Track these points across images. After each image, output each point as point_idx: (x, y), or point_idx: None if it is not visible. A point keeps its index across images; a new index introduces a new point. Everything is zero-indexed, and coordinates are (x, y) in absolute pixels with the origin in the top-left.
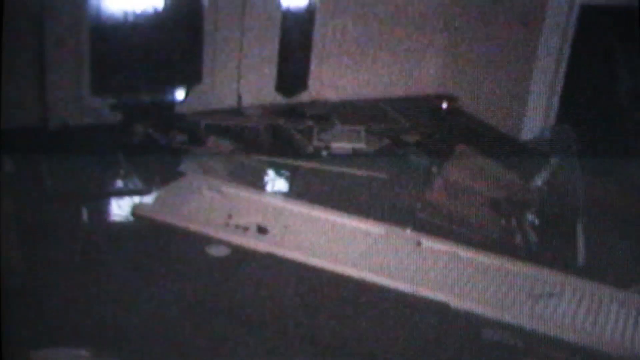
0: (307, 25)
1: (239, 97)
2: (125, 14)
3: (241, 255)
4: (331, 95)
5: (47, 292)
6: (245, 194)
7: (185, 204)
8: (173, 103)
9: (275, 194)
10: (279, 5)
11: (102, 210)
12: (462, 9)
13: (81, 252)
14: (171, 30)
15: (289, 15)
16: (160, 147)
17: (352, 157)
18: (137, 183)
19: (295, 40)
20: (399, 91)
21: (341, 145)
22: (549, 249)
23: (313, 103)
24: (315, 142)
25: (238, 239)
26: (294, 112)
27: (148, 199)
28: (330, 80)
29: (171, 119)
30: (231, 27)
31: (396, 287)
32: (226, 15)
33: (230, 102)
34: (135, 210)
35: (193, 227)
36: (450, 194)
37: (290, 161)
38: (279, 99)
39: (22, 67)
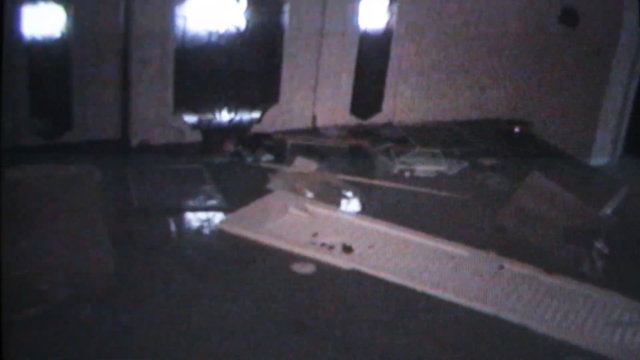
0: (384, 48)
1: (314, 118)
2: (209, 35)
3: (327, 272)
4: (405, 117)
5: (136, 297)
6: (330, 212)
7: (272, 221)
8: (250, 122)
9: (360, 213)
10: (356, 29)
11: (187, 224)
12: (535, 38)
13: (168, 264)
14: (252, 51)
15: (366, 39)
16: (247, 165)
17: (433, 179)
18: (221, 199)
19: (372, 63)
20: (471, 114)
21: (426, 169)
22: (618, 277)
23: (387, 125)
24: (399, 165)
25: (324, 257)
26: (369, 134)
27: (235, 215)
28: (405, 103)
29: (258, 138)
30: (310, 50)
31: (479, 308)
32: (305, 38)
33: (304, 122)
34: (223, 226)
35: (279, 244)
36: (521, 219)
37: (374, 182)
38: (353, 120)
39: (107, 85)
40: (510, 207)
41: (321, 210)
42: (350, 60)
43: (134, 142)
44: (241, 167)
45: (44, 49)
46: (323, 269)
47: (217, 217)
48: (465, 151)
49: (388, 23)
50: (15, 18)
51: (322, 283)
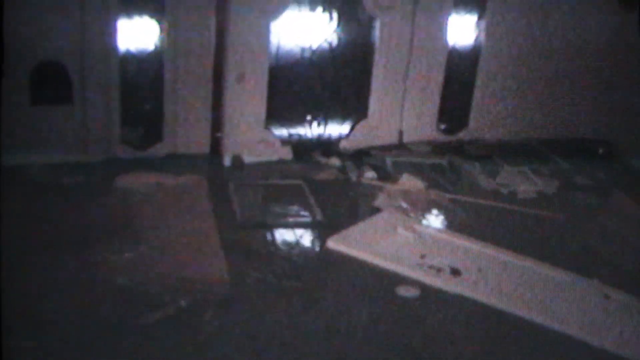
0: (472, 64)
1: (400, 133)
2: (302, 51)
3: (432, 296)
4: (489, 134)
5: (253, 304)
6: (439, 234)
7: (380, 241)
8: (339, 138)
9: (467, 234)
10: (445, 45)
11: (292, 240)
12: (619, 60)
13: (277, 275)
14: (343, 67)
15: (454, 54)
16: (349, 181)
17: (532, 198)
18: (324, 216)
19: (459, 78)
20: (556, 132)
21: (527, 189)
22: None
23: (472, 142)
24: (497, 183)
25: (431, 280)
26: (456, 150)
27: (343, 234)
28: (491, 119)
29: (360, 154)
30: (398, 65)
31: (584, 339)
32: (394, 53)
33: (391, 138)
34: (329, 244)
35: (386, 265)
36: (606, 240)
37: (480, 201)
38: (439, 136)
39: (199, 99)
40: (596, 228)
41: (430, 231)
42: (438, 76)
43: (227, 157)
44: (344, 184)
45: (137, 62)
46: (429, 292)
47: (321, 233)
48: (552, 169)
49: (476, 39)
50: (111, 32)
51: (427, 308)
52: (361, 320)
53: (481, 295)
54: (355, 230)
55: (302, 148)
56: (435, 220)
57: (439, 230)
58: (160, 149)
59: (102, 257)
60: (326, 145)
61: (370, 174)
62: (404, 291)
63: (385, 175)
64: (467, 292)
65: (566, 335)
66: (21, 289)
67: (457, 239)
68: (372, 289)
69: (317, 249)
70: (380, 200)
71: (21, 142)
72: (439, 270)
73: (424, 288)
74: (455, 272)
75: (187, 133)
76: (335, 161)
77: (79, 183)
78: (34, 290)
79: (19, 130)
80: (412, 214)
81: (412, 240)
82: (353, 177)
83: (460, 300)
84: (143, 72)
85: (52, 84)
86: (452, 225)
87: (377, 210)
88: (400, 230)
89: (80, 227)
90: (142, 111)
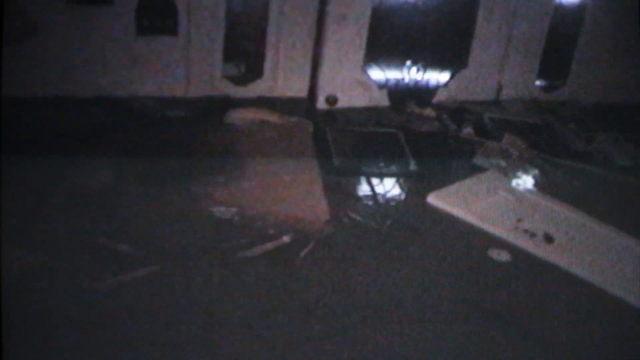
0: (577, 22)
1: (499, 89)
2: None
3: (522, 261)
4: (586, 95)
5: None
6: (539, 199)
7: (480, 201)
8: (437, 87)
9: (566, 201)
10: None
11: (389, 189)
12: None
13: (371, 219)
14: (445, 14)
15: (560, 10)
16: (448, 135)
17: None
18: (419, 167)
19: (562, 37)
20: None
21: (622, 156)
22: None
23: (568, 102)
24: (593, 148)
25: (523, 244)
26: (552, 111)
27: (444, 190)
28: (589, 80)
29: (461, 109)
30: (502, 17)
31: None
32: (499, 4)
33: (488, 93)
34: (429, 199)
35: (482, 225)
36: None
37: (576, 164)
38: (537, 94)
39: (301, 41)
40: None
41: (529, 195)
42: (542, 32)
43: (321, 98)
44: (441, 137)
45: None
46: (520, 256)
47: (417, 185)
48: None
49: None
50: None
51: (516, 272)
52: (448, 279)
53: (571, 264)
54: (457, 188)
55: (399, 95)
56: (533, 182)
57: (538, 195)
58: (259, 87)
59: (205, 190)
60: (422, 95)
61: (468, 129)
62: (495, 254)
63: (483, 132)
64: (557, 260)
65: None
66: (122, 214)
67: (555, 205)
68: (465, 248)
69: (413, 200)
70: (478, 158)
71: (125, 73)
72: (532, 235)
73: (516, 252)
74: (548, 238)
75: (286, 75)
76: (430, 113)
77: (183, 117)
78: (134, 217)
79: (124, 61)
80: (510, 174)
81: (511, 203)
82: (452, 130)
83: (549, 268)
84: (248, 8)
85: (159, 14)
86: (550, 189)
87: (476, 167)
88: (501, 192)
89: (184, 160)
90: (244, 48)
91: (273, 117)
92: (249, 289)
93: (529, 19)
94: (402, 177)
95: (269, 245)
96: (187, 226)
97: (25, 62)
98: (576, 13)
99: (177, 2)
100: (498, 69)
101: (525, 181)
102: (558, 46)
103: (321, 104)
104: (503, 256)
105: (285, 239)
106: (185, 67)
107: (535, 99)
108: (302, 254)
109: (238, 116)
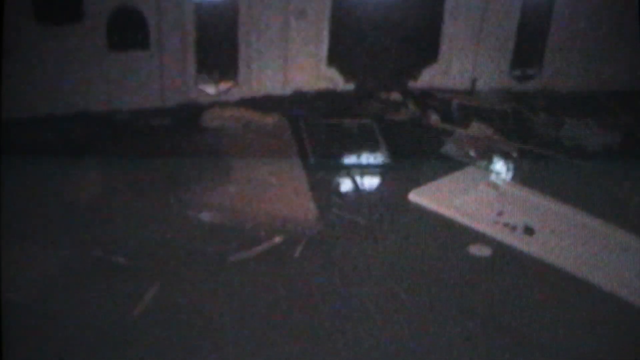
0: (545, 13)
1: (473, 80)
2: None
3: (504, 255)
4: (559, 84)
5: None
6: (516, 190)
7: (460, 196)
8: (407, 78)
9: (544, 193)
10: None
11: (366, 184)
12: None
13: (353, 214)
14: (412, 8)
15: (529, 1)
16: (417, 123)
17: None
18: (387, 156)
19: (534, 27)
20: (622, 86)
21: (594, 141)
22: None
23: (541, 92)
24: (561, 134)
25: (504, 238)
26: (525, 100)
27: (425, 187)
28: (561, 69)
29: (425, 95)
30: (472, 9)
31: None
32: None
33: (461, 83)
34: (411, 195)
35: (463, 220)
36: None
37: (544, 151)
38: (510, 84)
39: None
40: None
41: (509, 187)
42: (513, 22)
43: (288, 90)
44: (411, 125)
45: (212, 7)
46: (501, 250)
47: (393, 177)
48: (618, 122)
49: None
50: None
51: (497, 266)
52: (430, 274)
53: (552, 256)
54: (438, 184)
55: (365, 85)
56: (510, 174)
57: (516, 187)
58: (235, 91)
59: (193, 196)
60: (391, 84)
61: (434, 117)
62: (476, 250)
63: (451, 119)
64: (538, 253)
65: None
66: (115, 224)
67: (533, 196)
68: (447, 244)
69: (394, 195)
70: (449, 147)
71: (101, 87)
72: (513, 228)
73: (497, 246)
74: (529, 231)
75: (260, 74)
76: (396, 96)
77: (166, 125)
78: (126, 226)
79: (99, 76)
80: (487, 168)
81: (491, 197)
82: (421, 119)
83: (531, 261)
84: (217, 14)
85: (130, 29)
86: (526, 180)
87: (445, 156)
88: (480, 186)
89: (170, 167)
90: (217, 55)
91: (248, 115)
92: (244, 292)
93: (500, 9)
94: (380, 170)
95: (261, 247)
96: (177, 233)
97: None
98: (547, 2)
99: (147, 16)
100: (471, 60)
101: (502, 174)
102: (531, 36)
103: (288, 93)
104: (484, 251)
105: (277, 239)
106: (160, 78)
107: (509, 89)
108: (296, 253)
109: (212, 116)
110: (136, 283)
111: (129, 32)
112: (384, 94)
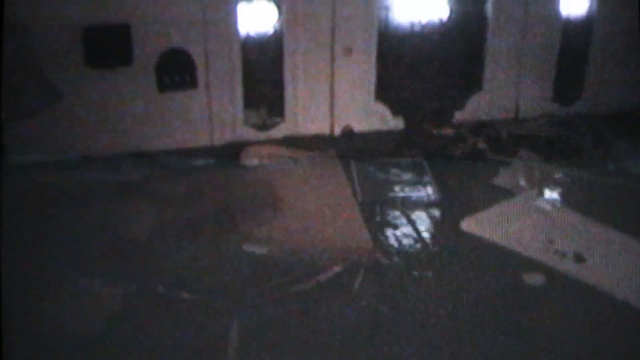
0: (585, 34)
1: (517, 107)
2: (412, 25)
3: (556, 282)
4: (601, 105)
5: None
6: (567, 216)
7: (511, 224)
8: (453, 109)
9: (594, 218)
10: (559, 16)
11: (420, 218)
12: None
13: (410, 247)
14: (455, 40)
15: (568, 26)
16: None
17: None
18: (446, 195)
19: (574, 48)
20: None
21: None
22: None
23: (586, 114)
24: (608, 158)
25: (554, 265)
26: (568, 124)
27: (477, 216)
28: (604, 90)
29: (479, 126)
30: (513, 38)
31: None
32: (508, 26)
33: (506, 111)
34: (464, 224)
35: (514, 247)
36: None
37: (594, 177)
38: (554, 108)
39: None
40: None
41: (559, 213)
42: (554, 48)
43: (337, 130)
44: (462, 158)
45: (258, 45)
46: (553, 277)
47: (447, 212)
48: None
49: (589, 9)
50: (232, 17)
51: (549, 293)
52: (488, 303)
53: (603, 283)
54: (489, 213)
55: (415, 119)
56: (560, 200)
57: (566, 213)
58: (282, 129)
59: (248, 232)
60: (439, 117)
61: (485, 148)
62: (530, 279)
63: (501, 149)
64: (590, 280)
65: None
66: (172, 261)
67: (583, 222)
68: (499, 272)
69: (446, 226)
70: (501, 178)
71: (150, 128)
72: (563, 255)
73: (549, 274)
74: (579, 258)
75: (306, 113)
76: (448, 131)
77: (211, 164)
78: (183, 262)
79: (148, 117)
80: (531, 191)
81: (542, 224)
82: (472, 151)
83: (582, 288)
84: (263, 54)
85: (178, 70)
86: (576, 205)
87: (496, 187)
88: (531, 214)
89: (221, 204)
90: (263, 93)
91: (286, 152)
92: (308, 322)
93: (539, 35)
94: (430, 203)
95: (322, 277)
96: (235, 269)
97: (53, 127)
98: (585, 25)
99: (195, 57)
100: (514, 87)
101: (552, 201)
102: (571, 60)
103: (339, 134)
104: (538, 280)
105: (337, 268)
106: (209, 117)
107: (553, 113)
108: (356, 284)
109: (250, 154)
110: (204, 318)
111: (177, 72)
112: (435, 129)
